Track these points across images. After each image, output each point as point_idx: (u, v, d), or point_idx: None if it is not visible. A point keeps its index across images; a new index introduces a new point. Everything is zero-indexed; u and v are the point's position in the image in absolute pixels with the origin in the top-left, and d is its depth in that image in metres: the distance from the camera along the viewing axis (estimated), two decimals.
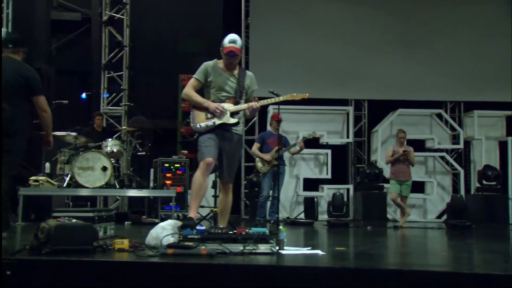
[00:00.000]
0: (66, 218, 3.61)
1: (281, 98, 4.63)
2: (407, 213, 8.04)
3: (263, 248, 3.60)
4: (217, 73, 4.50)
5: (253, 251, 3.54)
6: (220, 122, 4.42)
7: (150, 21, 10.93)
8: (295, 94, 4.65)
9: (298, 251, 3.87)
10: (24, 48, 4.73)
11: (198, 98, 4.49)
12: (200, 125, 4.44)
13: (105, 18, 10.53)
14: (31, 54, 10.58)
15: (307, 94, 4.66)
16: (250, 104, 4.49)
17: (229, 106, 4.45)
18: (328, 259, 3.71)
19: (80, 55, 11.19)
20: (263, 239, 3.62)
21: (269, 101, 4.65)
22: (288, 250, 3.82)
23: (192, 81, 4.54)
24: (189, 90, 4.51)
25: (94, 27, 11.06)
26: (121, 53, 10.54)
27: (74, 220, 3.57)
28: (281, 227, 3.97)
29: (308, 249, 4.00)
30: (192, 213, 4.23)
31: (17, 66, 4.46)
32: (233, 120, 4.45)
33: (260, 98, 4.66)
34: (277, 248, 3.71)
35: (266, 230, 3.68)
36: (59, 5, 11.33)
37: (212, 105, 4.41)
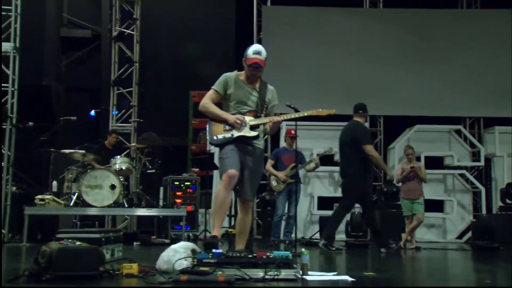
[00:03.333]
0: (70, 240, 3.30)
1: (305, 114, 4.28)
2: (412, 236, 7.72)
3: (285, 273, 3.26)
4: (238, 85, 4.20)
5: (276, 277, 3.21)
6: (239, 134, 4.09)
7: (160, 37, 10.79)
8: (320, 109, 4.32)
9: (324, 277, 3.52)
10: (366, 112, 6.61)
11: (216, 110, 4.18)
12: (217, 136, 4.13)
13: (115, 33, 10.34)
14: (40, 71, 10.61)
15: (334, 110, 4.32)
16: (272, 117, 4.17)
17: (249, 119, 4.15)
18: (360, 286, 3.35)
19: (90, 72, 11.08)
20: (286, 263, 3.28)
21: (292, 115, 4.32)
22: (313, 276, 3.48)
23: (210, 93, 4.24)
24: (207, 102, 4.20)
25: (104, 43, 10.96)
26: (131, 69, 10.31)
27: (78, 243, 3.27)
28: (303, 249, 3.63)
29: (333, 274, 3.65)
30: (216, 231, 3.91)
31: (351, 128, 6.52)
32: (253, 133, 4.13)
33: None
34: (300, 273, 3.38)
35: (289, 254, 3.35)
36: (69, 22, 11.26)
37: (231, 116, 4.11)
